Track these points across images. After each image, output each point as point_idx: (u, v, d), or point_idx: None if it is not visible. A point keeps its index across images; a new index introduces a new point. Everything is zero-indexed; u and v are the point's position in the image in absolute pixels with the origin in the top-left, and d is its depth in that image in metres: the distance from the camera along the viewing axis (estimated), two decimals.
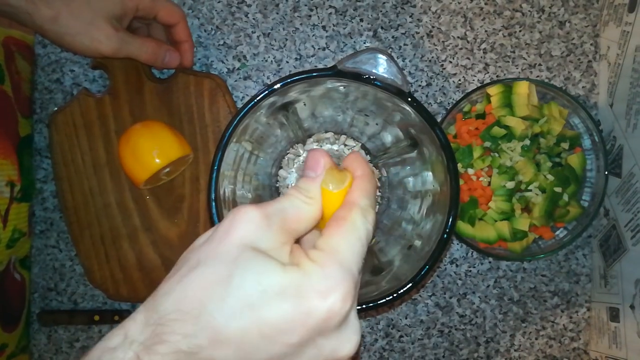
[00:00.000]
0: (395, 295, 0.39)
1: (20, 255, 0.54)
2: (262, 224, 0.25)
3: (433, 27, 0.57)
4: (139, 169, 0.50)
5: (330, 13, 0.57)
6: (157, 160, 0.50)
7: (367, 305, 0.39)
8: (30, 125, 0.56)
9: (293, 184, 0.53)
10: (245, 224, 0.25)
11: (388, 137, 0.51)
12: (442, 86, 0.58)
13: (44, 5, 0.43)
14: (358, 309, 0.39)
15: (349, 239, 0.26)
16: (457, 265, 0.58)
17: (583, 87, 0.58)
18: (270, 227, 0.26)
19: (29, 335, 0.57)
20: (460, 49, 0.57)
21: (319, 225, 0.29)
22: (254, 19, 0.57)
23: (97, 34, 0.46)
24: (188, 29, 0.52)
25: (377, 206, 0.54)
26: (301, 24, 0.57)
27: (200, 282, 0.24)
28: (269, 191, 0.53)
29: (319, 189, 0.29)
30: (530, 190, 0.52)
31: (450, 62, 0.58)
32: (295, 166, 0.54)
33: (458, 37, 0.57)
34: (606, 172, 0.52)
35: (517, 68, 0.58)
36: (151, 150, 0.50)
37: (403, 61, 0.57)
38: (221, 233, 0.25)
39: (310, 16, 0.57)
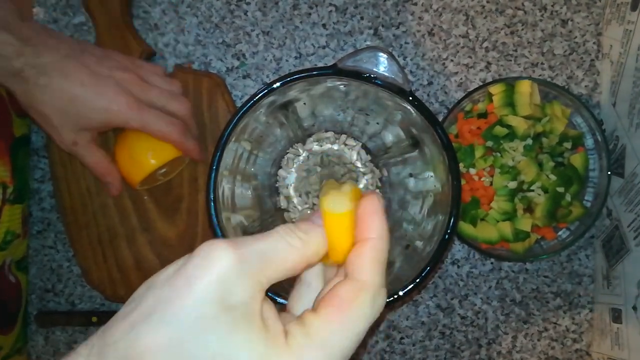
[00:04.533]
0: (396, 296, 0.39)
1: (16, 257, 0.54)
2: (234, 272, 0.21)
3: (434, 25, 0.57)
4: (134, 170, 0.50)
5: (331, 11, 0.57)
6: (152, 161, 0.49)
7: None
8: (27, 125, 0.56)
9: (293, 184, 0.53)
10: (214, 270, 0.21)
11: (389, 137, 0.50)
12: (444, 85, 0.57)
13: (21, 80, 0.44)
14: None
15: (348, 332, 0.22)
16: (458, 267, 0.57)
17: (586, 86, 0.57)
18: (244, 275, 0.21)
19: (26, 337, 0.57)
20: (462, 47, 0.57)
21: (327, 257, 0.25)
22: (253, 17, 0.57)
23: (58, 137, 0.47)
24: (183, 145, 0.50)
25: None
26: (301, 22, 0.57)
27: (150, 342, 0.20)
28: (268, 191, 0.53)
29: (320, 236, 0.24)
30: (533, 191, 0.52)
31: (452, 60, 0.57)
32: (294, 166, 0.53)
33: (460, 36, 0.57)
34: (609, 172, 0.52)
35: (519, 67, 0.57)
36: (146, 152, 0.49)
37: (404, 60, 0.57)
38: (186, 278, 0.21)
39: (310, 14, 0.57)
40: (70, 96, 0.44)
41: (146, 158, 0.49)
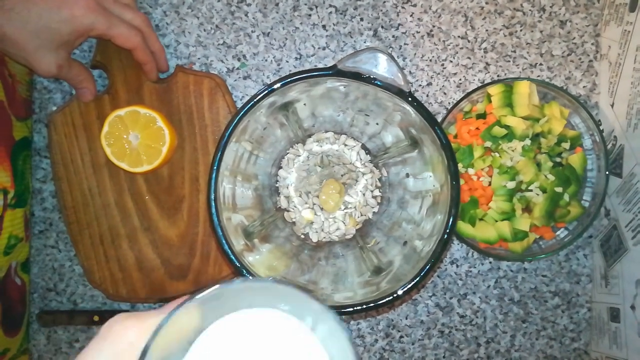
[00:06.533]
0: (395, 295, 0.39)
1: (21, 260, 0.54)
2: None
3: (434, 26, 0.57)
4: None
5: (330, 12, 0.57)
6: None
7: (368, 306, 0.39)
8: (28, 127, 0.56)
9: (293, 184, 0.53)
10: None
11: (388, 137, 0.51)
12: (443, 86, 0.57)
13: None
14: (358, 309, 0.39)
15: None
16: (457, 266, 0.57)
17: (584, 86, 0.58)
18: None
19: (29, 337, 0.57)
20: (461, 48, 0.57)
21: None
22: (253, 18, 0.57)
23: (38, 63, 0.48)
24: (145, 53, 0.52)
25: (378, 206, 0.54)
26: (301, 23, 0.57)
27: None
28: (268, 191, 0.53)
29: None
30: (531, 190, 0.52)
31: (451, 61, 0.57)
32: (295, 166, 0.53)
33: (459, 37, 0.57)
34: (607, 172, 0.52)
35: (518, 67, 0.57)
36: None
37: (403, 61, 0.57)
38: None
39: (310, 15, 0.57)
40: (36, 14, 0.46)
41: None
